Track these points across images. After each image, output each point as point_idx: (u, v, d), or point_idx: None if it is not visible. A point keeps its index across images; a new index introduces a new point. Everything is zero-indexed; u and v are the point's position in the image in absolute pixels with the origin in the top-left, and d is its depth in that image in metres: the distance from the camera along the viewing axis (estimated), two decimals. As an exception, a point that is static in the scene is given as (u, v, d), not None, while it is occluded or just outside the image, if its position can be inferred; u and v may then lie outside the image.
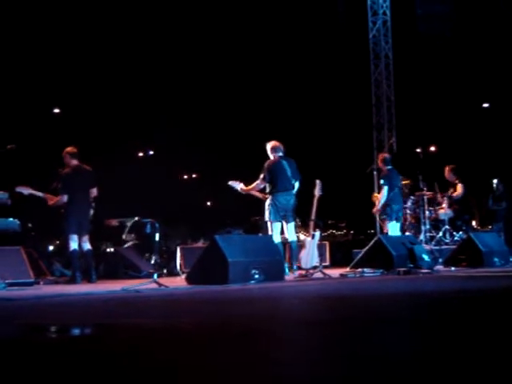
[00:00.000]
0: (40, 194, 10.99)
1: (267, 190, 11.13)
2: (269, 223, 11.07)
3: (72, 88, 24.96)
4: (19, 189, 10.58)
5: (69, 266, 11.90)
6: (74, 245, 10.93)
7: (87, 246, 11.15)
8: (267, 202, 11.06)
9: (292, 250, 11.18)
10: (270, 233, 11.04)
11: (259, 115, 26.53)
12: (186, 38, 27.03)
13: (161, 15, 25.93)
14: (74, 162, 11.22)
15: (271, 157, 11.29)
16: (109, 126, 25.76)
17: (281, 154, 11.31)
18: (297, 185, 11.31)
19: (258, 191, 11.40)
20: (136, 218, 13.72)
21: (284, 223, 11.09)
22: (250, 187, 11.32)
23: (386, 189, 12.56)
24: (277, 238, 11.00)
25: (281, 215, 10.99)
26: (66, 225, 11.02)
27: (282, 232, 11.27)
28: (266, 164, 11.21)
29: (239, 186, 11.38)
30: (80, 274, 10.84)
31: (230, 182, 11.49)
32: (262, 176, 11.11)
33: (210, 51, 27.05)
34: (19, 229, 9.88)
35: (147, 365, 2.86)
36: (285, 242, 11.35)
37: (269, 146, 11.38)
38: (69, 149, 11.33)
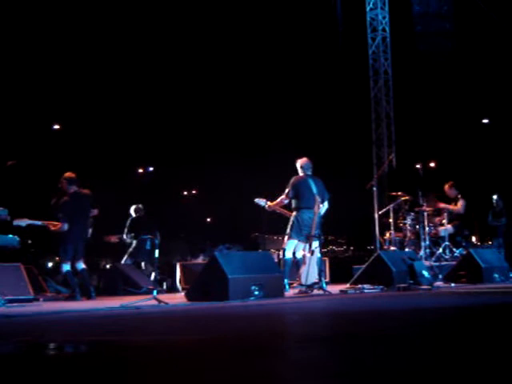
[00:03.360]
0: (38, 222, 10.96)
1: (292, 206, 11.19)
2: (286, 237, 11.12)
3: (72, 104, 25.02)
4: (17, 222, 10.46)
5: (64, 282, 11.92)
6: (66, 267, 10.97)
7: (81, 265, 11.19)
8: (291, 218, 11.11)
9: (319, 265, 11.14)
10: (283, 246, 11.09)
11: (259, 133, 26.58)
12: (187, 55, 27.13)
13: (164, 35, 26.05)
14: (73, 188, 11.19)
15: (300, 173, 11.36)
16: (109, 142, 25.79)
17: (309, 172, 11.40)
18: (326, 204, 11.36)
19: (284, 208, 11.46)
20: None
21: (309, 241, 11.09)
22: (274, 203, 11.38)
23: None
24: (289, 254, 11.06)
25: (304, 233, 11.02)
26: (61, 250, 11.08)
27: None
28: (292, 180, 11.30)
29: (265, 202, 11.43)
30: (79, 291, 10.85)
31: (256, 200, 11.57)
32: (286, 191, 11.20)
33: (212, 70, 27.15)
34: (19, 245, 9.86)
35: (148, 382, 2.85)
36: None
37: (299, 162, 11.51)
38: (67, 174, 11.28)
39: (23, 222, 10.56)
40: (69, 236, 11.00)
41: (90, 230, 11.43)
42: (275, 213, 11.76)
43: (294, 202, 11.19)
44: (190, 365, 3.34)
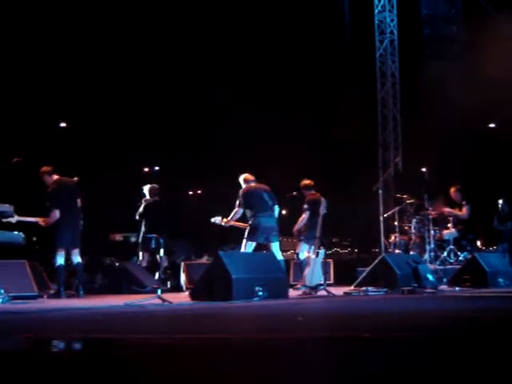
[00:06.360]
0: (30, 219, 10.91)
1: (248, 215, 11.33)
2: (244, 240, 11.24)
3: (78, 102, 25.03)
4: (6, 220, 10.38)
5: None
6: (60, 260, 10.86)
7: (78, 259, 11.11)
8: (249, 224, 11.27)
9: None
10: (242, 249, 11.22)
11: (261, 133, 26.57)
12: (194, 55, 27.15)
13: (171, 34, 26.06)
14: (55, 177, 11.18)
15: (243, 186, 11.52)
16: (115, 140, 25.80)
17: (253, 183, 11.65)
18: (277, 208, 11.61)
19: (239, 221, 11.60)
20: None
21: (269, 244, 11.34)
22: (230, 217, 11.53)
23: (307, 214, 12.39)
24: None
25: (263, 236, 11.25)
26: (57, 238, 10.92)
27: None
28: (241, 191, 11.54)
29: (221, 220, 11.57)
30: (64, 288, 10.80)
31: (212, 220, 11.74)
32: (237, 203, 11.41)
33: (218, 72, 27.14)
34: (24, 242, 9.86)
35: (149, 381, 2.85)
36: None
37: (241, 177, 11.77)
38: (44, 169, 11.27)
39: (13, 219, 10.48)
40: (63, 222, 10.89)
41: (81, 222, 11.33)
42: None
43: (247, 211, 11.37)
44: (192, 364, 3.33)
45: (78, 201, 11.31)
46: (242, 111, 25.61)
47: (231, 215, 11.51)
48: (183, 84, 27.40)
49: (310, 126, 26.14)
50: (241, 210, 11.40)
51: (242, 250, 11.18)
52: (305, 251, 12.30)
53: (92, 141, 24.93)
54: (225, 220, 11.57)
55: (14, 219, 10.52)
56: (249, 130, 25.55)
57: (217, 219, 11.65)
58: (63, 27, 23.78)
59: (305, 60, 26.89)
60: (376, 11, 23.51)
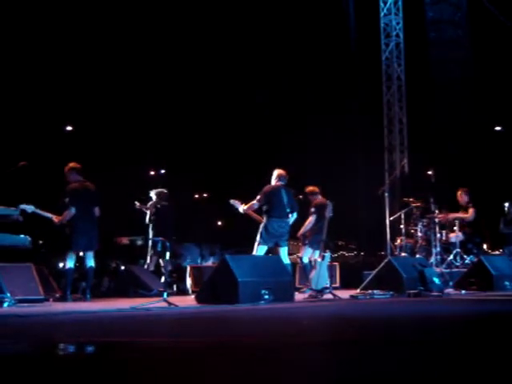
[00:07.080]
0: (45, 214, 10.87)
1: (263, 210, 11.33)
2: (256, 244, 11.21)
3: (85, 106, 25.09)
4: (23, 206, 10.39)
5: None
6: (70, 263, 10.85)
7: (91, 262, 11.05)
8: (261, 225, 11.22)
9: None
10: (253, 253, 11.17)
11: (271, 137, 26.59)
12: (201, 59, 27.19)
13: (179, 37, 26.12)
14: (80, 177, 11.16)
15: (273, 183, 11.45)
16: (121, 144, 25.85)
17: (283, 183, 11.52)
18: (294, 215, 11.57)
19: (257, 214, 11.56)
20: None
21: (278, 248, 11.38)
22: (247, 206, 11.43)
23: (314, 217, 12.39)
24: None
25: (273, 241, 11.28)
26: (72, 242, 10.89)
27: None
28: (265, 188, 11.45)
29: (240, 206, 11.50)
30: (70, 292, 10.78)
31: (232, 201, 11.65)
32: (258, 197, 11.32)
33: (224, 75, 27.19)
34: (30, 245, 9.87)
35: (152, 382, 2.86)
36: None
37: (276, 172, 11.65)
38: (73, 164, 11.22)
39: (29, 208, 10.44)
40: (78, 223, 10.88)
41: None
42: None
43: (264, 208, 11.32)
44: (196, 368, 3.34)
45: (97, 209, 11.24)
46: (243, 112, 25.64)
47: (248, 205, 11.45)
48: (186, 87, 27.44)
49: (314, 130, 26.17)
50: (256, 205, 11.35)
51: (254, 253, 11.19)
52: (308, 255, 12.31)
53: (98, 144, 24.98)
54: (244, 206, 11.54)
55: (30, 209, 10.50)
56: (251, 133, 25.61)
57: (236, 203, 11.56)
58: (70, 32, 23.84)
59: (311, 62, 26.93)
60: (382, 14, 23.49)
